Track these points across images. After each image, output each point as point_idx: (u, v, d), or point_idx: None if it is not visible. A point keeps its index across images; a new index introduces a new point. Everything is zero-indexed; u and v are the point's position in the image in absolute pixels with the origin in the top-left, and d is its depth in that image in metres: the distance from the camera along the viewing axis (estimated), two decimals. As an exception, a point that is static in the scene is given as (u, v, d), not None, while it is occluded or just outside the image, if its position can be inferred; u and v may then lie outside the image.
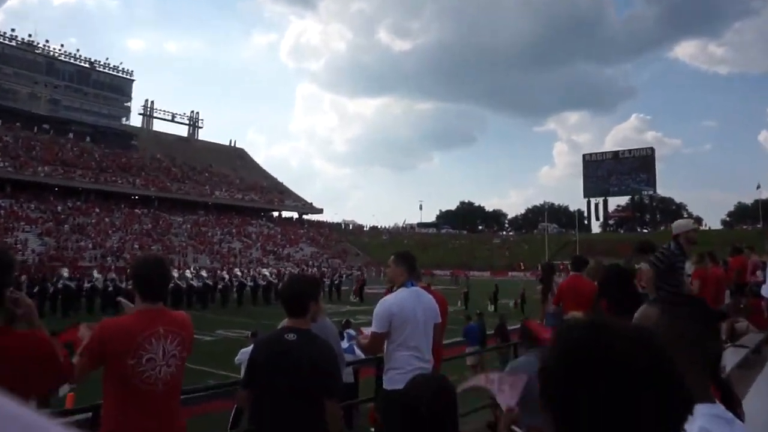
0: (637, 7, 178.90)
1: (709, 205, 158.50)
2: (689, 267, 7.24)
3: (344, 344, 7.92)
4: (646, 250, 5.36)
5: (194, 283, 26.49)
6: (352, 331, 9.98)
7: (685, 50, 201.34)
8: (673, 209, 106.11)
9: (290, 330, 2.61)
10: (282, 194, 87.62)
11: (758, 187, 74.23)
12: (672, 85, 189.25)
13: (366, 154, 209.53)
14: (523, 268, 66.71)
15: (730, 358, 5.87)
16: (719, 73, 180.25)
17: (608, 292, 3.96)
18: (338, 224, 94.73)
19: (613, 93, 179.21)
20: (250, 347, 8.85)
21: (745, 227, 75.14)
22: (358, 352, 8.11)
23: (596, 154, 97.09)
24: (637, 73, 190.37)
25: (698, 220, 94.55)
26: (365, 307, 26.92)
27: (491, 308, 26.38)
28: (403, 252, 3.84)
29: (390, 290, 3.77)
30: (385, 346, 3.60)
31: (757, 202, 77.64)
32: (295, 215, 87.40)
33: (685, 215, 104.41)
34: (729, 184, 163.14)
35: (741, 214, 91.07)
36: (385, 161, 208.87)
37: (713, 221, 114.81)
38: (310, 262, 63.46)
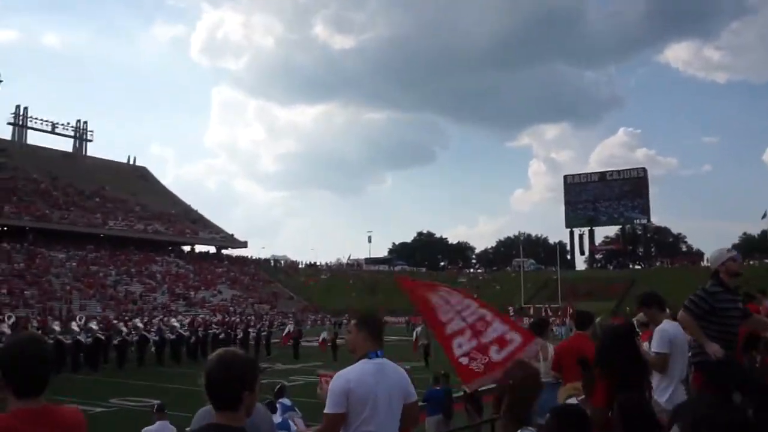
0: (621, 1, 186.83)
1: (712, 236, 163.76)
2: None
3: (277, 418, 7.79)
4: (650, 303, 5.47)
5: (82, 338, 25.63)
6: (287, 401, 9.81)
7: (677, 54, 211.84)
8: (669, 241, 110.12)
9: (218, 429, 2.51)
10: (195, 224, 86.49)
11: (764, 216, 77.86)
12: (664, 94, 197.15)
13: (302, 174, 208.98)
14: (512, 314, 67.00)
15: None
16: (717, 81, 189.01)
17: (605, 359, 4.04)
18: (267, 261, 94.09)
19: (596, 102, 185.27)
20: (156, 426, 8.58)
21: (752, 262, 78.41)
22: (293, 428, 8.01)
23: (580, 175, 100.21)
24: (623, 78, 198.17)
25: (699, 255, 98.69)
26: (301, 364, 26.62)
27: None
28: (365, 314, 3.84)
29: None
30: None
31: (764, 233, 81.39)
32: (213, 250, 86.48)
33: (684, 248, 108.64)
34: (733, 212, 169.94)
35: (747, 246, 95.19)
36: (326, 183, 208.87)
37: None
38: (231, 309, 62.50)
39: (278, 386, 10.35)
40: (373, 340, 3.66)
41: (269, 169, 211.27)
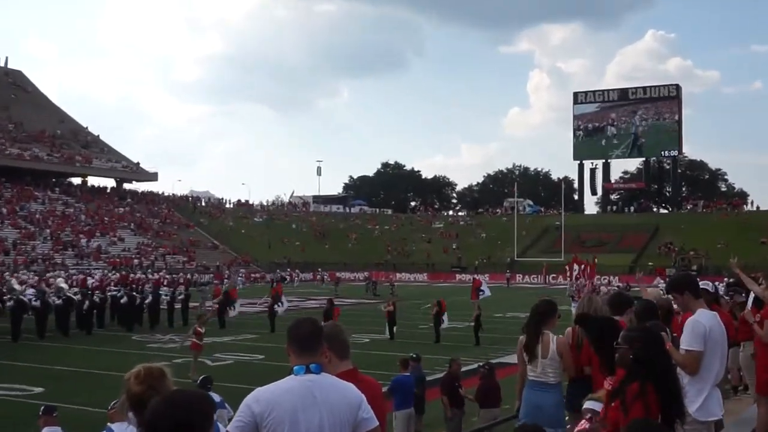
0: None
1: (759, 173, 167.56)
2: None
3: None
4: (682, 288, 5.49)
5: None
6: (215, 396, 9.86)
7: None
8: (705, 179, 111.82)
9: None
10: (88, 149, 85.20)
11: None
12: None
13: (232, 84, 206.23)
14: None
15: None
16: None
17: (638, 370, 4.11)
18: (185, 198, 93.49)
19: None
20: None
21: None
22: (223, 430, 8.08)
23: (594, 92, 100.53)
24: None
25: (743, 197, 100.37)
26: (230, 337, 26.78)
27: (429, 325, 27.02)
28: (295, 321, 3.81)
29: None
30: None
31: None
32: (112, 183, 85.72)
33: (723, 188, 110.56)
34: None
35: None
36: (264, 95, 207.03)
37: (764, 198, 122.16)
38: (136, 261, 62.21)
39: (201, 378, 10.40)
40: (299, 352, 3.63)
41: (188, 77, 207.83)
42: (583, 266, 38.24)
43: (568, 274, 43.83)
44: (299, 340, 3.67)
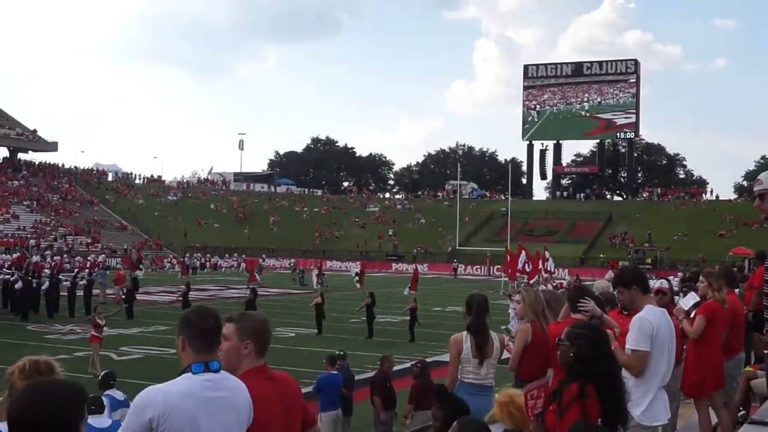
0: None
1: (720, 159, 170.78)
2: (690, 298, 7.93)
3: (104, 420, 7.87)
4: (628, 282, 5.67)
5: None
6: (118, 394, 9.86)
7: None
8: (663, 164, 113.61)
9: None
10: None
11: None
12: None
13: (144, 45, 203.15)
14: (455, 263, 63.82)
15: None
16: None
17: (582, 371, 4.25)
18: (89, 172, 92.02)
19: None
20: None
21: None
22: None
23: (546, 66, 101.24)
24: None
25: (701, 185, 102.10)
26: (138, 329, 26.55)
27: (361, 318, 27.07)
28: (198, 312, 3.70)
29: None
30: None
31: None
32: (5, 153, 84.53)
33: (681, 174, 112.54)
34: (750, 126, 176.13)
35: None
36: (180, 58, 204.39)
37: (724, 187, 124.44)
38: (33, 243, 61.17)
39: (103, 373, 10.24)
40: (200, 348, 3.53)
41: (95, 35, 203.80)
42: (526, 257, 37.94)
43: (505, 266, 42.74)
44: (203, 334, 3.56)
